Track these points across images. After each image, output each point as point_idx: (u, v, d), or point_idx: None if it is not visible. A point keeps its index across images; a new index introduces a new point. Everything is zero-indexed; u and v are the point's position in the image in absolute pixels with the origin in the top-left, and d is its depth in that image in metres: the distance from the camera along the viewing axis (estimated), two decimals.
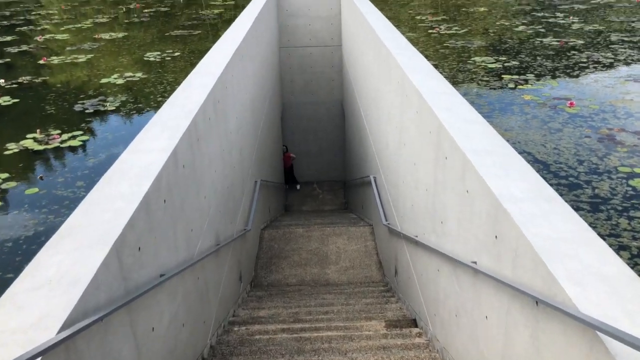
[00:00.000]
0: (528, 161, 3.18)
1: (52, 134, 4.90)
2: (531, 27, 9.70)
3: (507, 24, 10.40)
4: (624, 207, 3.34)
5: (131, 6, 15.23)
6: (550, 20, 10.67)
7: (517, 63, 6.79)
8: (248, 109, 7.80)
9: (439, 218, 4.16)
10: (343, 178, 17.38)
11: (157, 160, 3.38)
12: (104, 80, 6.64)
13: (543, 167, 3.90)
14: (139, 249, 2.91)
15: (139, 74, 6.85)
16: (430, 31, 9.22)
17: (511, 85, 5.85)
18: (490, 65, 6.74)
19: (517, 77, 6.18)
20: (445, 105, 4.31)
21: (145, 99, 5.58)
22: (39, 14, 14.51)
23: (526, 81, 5.96)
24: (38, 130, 4.98)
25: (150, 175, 3.18)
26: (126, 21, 11.96)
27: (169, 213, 3.46)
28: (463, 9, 12.57)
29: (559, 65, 6.71)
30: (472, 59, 7.12)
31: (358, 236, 8.91)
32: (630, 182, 3.62)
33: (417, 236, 5.07)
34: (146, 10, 13.92)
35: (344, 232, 9.06)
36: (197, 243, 4.26)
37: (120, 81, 6.54)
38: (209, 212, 4.73)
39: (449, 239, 3.89)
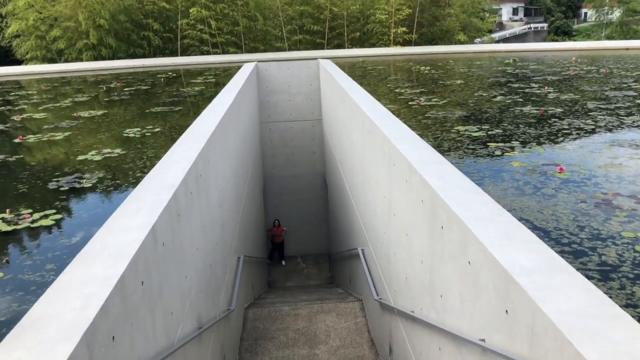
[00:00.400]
0: (528, 228, 3.00)
1: (23, 214, 4.60)
2: (509, 97, 9.97)
3: (485, 94, 10.69)
4: (635, 274, 3.15)
5: (112, 85, 15.37)
6: (526, 90, 11.02)
7: (501, 131, 6.84)
8: (230, 182, 7.63)
9: (438, 292, 3.90)
10: (328, 251, 17.03)
11: (135, 239, 3.12)
12: (80, 158, 6.44)
13: (544, 234, 3.74)
14: (113, 338, 2.57)
15: (118, 150, 6.68)
16: (410, 103, 9.39)
17: (498, 152, 5.83)
18: (474, 134, 6.77)
19: (502, 144, 6.19)
20: (436, 173, 4.19)
21: (124, 175, 5.38)
22: (18, 95, 14.51)
23: (512, 148, 5.95)
24: (7, 210, 4.68)
25: (127, 255, 2.90)
26: (106, 99, 11.98)
27: (147, 296, 3.14)
28: (440, 82, 12.97)
29: (542, 132, 6.77)
30: (455, 128, 7.16)
31: (347, 312, 8.49)
32: (637, 248, 3.45)
33: (413, 312, 4.77)
34: (127, 89, 14.04)
35: (332, 308, 8.64)
36: (178, 328, 3.89)
37: (97, 158, 6.34)
38: (190, 293, 4.39)
39: (452, 314, 3.61)
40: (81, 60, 26.64)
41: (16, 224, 4.47)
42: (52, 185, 5.44)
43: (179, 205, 4.13)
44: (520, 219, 3.88)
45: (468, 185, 3.91)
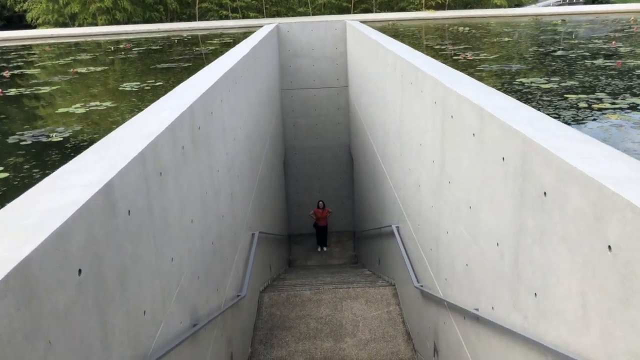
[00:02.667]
0: None
1: None
2: (571, 51, 8.54)
3: (541, 49, 9.24)
4: None
5: (121, 46, 14.27)
6: (589, 45, 9.53)
7: (577, 83, 5.53)
8: (243, 145, 6.47)
9: (529, 288, 2.69)
10: (352, 228, 15.88)
11: (72, 202, 1.97)
12: (61, 110, 5.34)
13: None
14: None
15: (108, 103, 5.60)
16: (455, 57, 8.06)
17: (582, 104, 4.52)
18: (543, 86, 5.45)
19: (584, 96, 4.85)
20: (522, 119, 2.93)
21: (105, 129, 4.31)
22: (18, 54, 13.54)
23: (600, 100, 4.64)
24: None
25: (48, 227, 1.76)
26: (111, 57, 10.88)
27: (90, 292, 2.01)
28: (484, 40, 11.52)
29: (632, 83, 5.40)
30: (518, 79, 5.85)
31: (378, 299, 7.34)
32: None
33: (478, 310, 3.57)
34: (136, 49, 12.92)
35: (360, 294, 7.50)
36: (156, 332, 2.77)
37: (81, 110, 5.27)
38: (178, 281, 3.26)
39: (559, 323, 2.40)
40: (95, 24, 25.61)
41: None
42: (12, 139, 4.39)
43: (161, 160, 2.98)
44: None
45: (575, 133, 2.65)
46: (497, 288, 3.18)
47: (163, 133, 3.03)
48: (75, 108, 5.22)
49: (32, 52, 13.73)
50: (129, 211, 2.42)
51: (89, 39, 18.78)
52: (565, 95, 4.95)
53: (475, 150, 3.43)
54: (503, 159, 2.95)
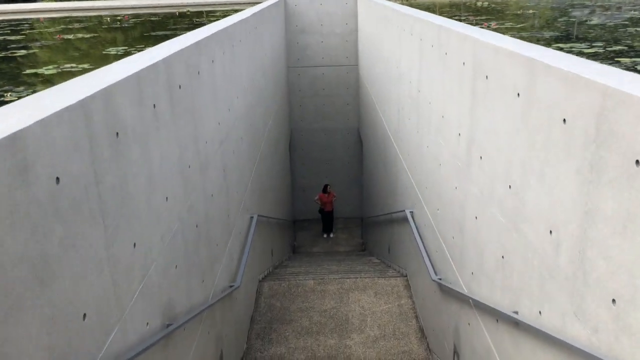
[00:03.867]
0: None
1: None
2: (608, 20, 7.72)
3: (572, 19, 8.43)
4: None
5: (118, 17, 13.56)
6: (625, 15, 8.69)
7: (626, 48, 4.76)
8: (241, 119, 5.79)
9: (602, 291, 2.00)
10: (360, 214, 15.20)
11: None
12: (29, 71, 4.67)
13: None
14: None
15: (85, 65, 4.89)
16: (479, 26, 7.28)
17: None
18: (586, 51, 4.71)
19: (638, 59, 4.10)
20: (596, 71, 2.22)
21: None
22: (9, 24, 12.88)
23: None
24: None
25: None
26: (104, 27, 10.17)
27: None
28: (507, 12, 10.70)
29: None
30: (555, 45, 5.09)
31: (388, 291, 6.68)
32: None
33: (517, 313, 2.89)
34: (133, 20, 12.20)
35: (369, 285, 6.85)
36: (105, 341, 2.12)
37: (51, 72, 4.57)
38: (146, 273, 2.60)
39: None
40: None
41: None
42: None
43: (119, 118, 2.30)
44: None
45: None
46: (547, 288, 2.49)
47: (122, 83, 2.35)
48: (46, 70, 4.61)
49: (25, 22, 13.12)
50: (57, 179, 1.75)
51: (92, 13, 18.09)
52: (616, 59, 4.26)
53: (520, 114, 2.72)
54: (564, 120, 2.24)
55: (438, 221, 4.87)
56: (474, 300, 3.70)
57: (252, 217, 6.28)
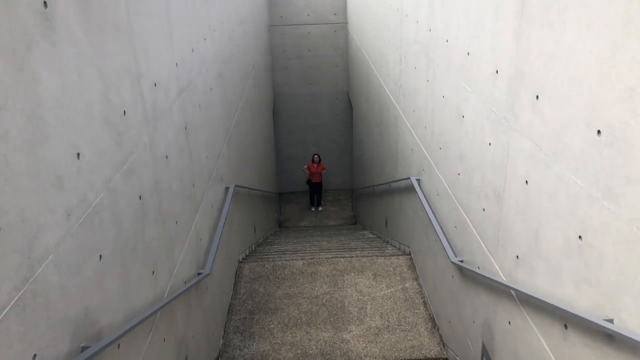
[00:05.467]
0: None
1: None
2: None
3: None
4: None
5: None
6: None
7: None
8: (211, 67, 4.69)
9: None
10: (350, 186, 14.23)
11: None
12: None
13: None
14: None
15: None
16: None
17: None
18: None
19: None
20: None
21: None
22: None
23: None
24: None
25: None
26: None
27: None
28: None
29: None
30: None
31: (390, 272, 5.74)
32: None
33: (612, 321, 1.93)
34: None
35: (367, 265, 5.90)
36: None
37: None
38: (29, 275, 1.57)
39: None
40: None
41: None
42: None
43: None
44: None
45: None
46: None
47: None
48: None
49: None
50: None
51: None
52: None
53: (626, 11, 1.70)
54: None
55: (458, 189, 3.89)
56: (520, 292, 2.74)
57: (227, 188, 5.24)
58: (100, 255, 2.10)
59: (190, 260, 3.67)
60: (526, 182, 2.65)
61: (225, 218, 4.71)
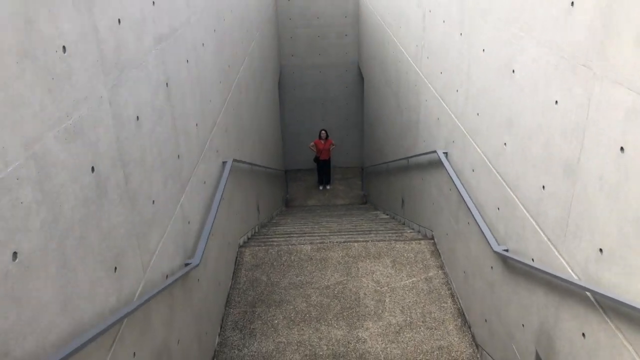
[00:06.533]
0: None
1: None
2: None
3: None
4: None
5: None
6: None
7: None
8: (202, 19, 3.94)
9: None
10: (360, 163, 13.50)
11: None
12: None
13: None
14: None
15: None
16: None
17: None
18: None
19: None
20: None
21: None
22: None
23: None
24: None
25: None
26: None
27: None
28: None
29: None
30: None
31: (411, 259, 5.06)
32: None
33: None
34: None
35: (384, 251, 5.22)
36: None
37: None
38: None
39: None
40: None
41: None
42: None
43: None
44: None
45: None
46: None
47: None
48: None
49: None
50: None
51: None
52: None
53: None
54: None
55: (504, 162, 3.16)
56: (604, 297, 2.04)
57: (224, 163, 4.54)
58: (15, 253, 1.42)
59: (174, 248, 2.99)
60: (621, 148, 1.92)
61: (222, 197, 4.02)
